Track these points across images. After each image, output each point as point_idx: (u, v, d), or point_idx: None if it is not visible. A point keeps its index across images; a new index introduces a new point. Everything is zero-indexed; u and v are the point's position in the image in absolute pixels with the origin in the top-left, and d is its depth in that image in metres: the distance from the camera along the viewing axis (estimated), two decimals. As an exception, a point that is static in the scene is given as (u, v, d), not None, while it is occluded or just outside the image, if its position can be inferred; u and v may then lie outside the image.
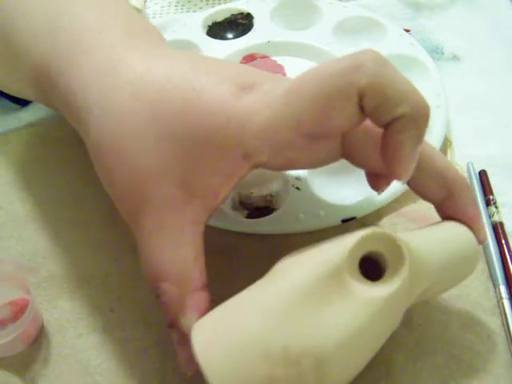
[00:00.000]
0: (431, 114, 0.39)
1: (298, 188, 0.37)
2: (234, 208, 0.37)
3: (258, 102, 0.26)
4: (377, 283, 0.24)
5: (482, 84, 0.46)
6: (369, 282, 0.24)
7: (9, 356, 0.32)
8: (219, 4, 0.54)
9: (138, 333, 0.32)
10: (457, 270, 0.28)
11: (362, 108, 0.24)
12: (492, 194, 0.38)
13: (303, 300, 0.23)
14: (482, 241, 0.29)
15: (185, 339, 0.25)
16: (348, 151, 0.28)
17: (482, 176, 0.39)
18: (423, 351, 0.31)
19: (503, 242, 0.35)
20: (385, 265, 0.25)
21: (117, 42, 0.29)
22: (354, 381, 0.30)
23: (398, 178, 0.25)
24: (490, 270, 0.34)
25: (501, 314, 0.32)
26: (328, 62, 0.25)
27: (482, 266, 0.34)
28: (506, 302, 0.32)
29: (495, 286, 0.33)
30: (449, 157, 0.40)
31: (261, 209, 0.37)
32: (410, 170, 0.25)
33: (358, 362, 0.25)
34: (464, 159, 0.40)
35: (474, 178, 0.39)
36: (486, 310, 0.32)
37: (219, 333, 0.24)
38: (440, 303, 0.32)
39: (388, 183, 0.28)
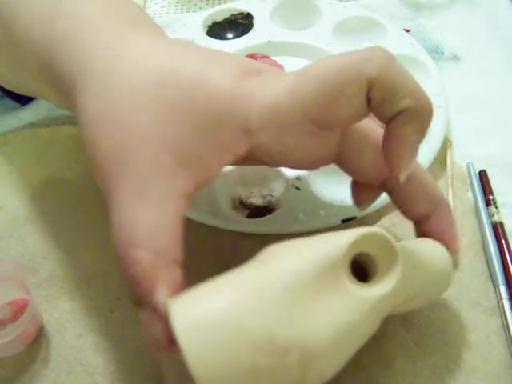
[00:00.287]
0: (431, 114, 0.39)
1: (297, 188, 0.37)
2: (234, 208, 0.37)
3: (265, 82, 0.26)
4: (368, 284, 0.24)
5: (482, 84, 0.46)
6: (360, 283, 0.24)
7: (8, 356, 0.32)
8: (219, 4, 0.54)
9: (138, 333, 0.32)
10: (433, 286, 0.29)
11: (368, 100, 0.25)
12: (492, 193, 0.38)
13: (295, 289, 0.23)
14: (456, 262, 0.29)
15: (155, 318, 0.23)
16: (343, 155, 0.28)
17: (482, 176, 0.39)
18: (423, 351, 0.31)
19: (503, 242, 0.35)
20: (372, 268, 0.25)
21: (122, 25, 0.29)
22: (355, 381, 0.30)
23: (398, 174, 0.25)
24: (490, 270, 0.34)
25: (501, 315, 0.32)
26: (338, 54, 0.26)
27: (481, 266, 0.34)
28: (506, 303, 0.32)
29: (495, 286, 0.33)
30: (449, 157, 0.40)
31: (261, 209, 0.37)
32: (409, 167, 0.26)
33: (341, 360, 0.24)
34: (464, 159, 0.40)
35: (474, 177, 0.39)
36: (486, 311, 0.32)
37: (203, 316, 0.22)
38: (440, 303, 0.32)
39: (373, 196, 0.29)
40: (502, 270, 0.34)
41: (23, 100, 0.45)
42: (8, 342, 0.30)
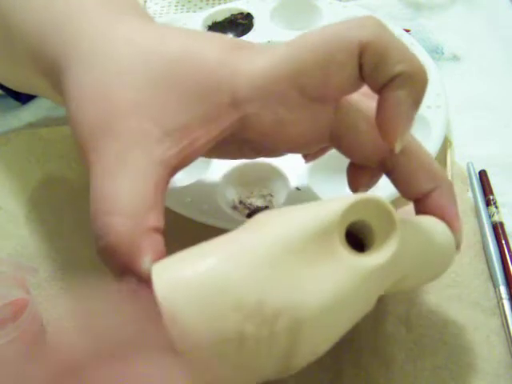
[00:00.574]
0: (431, 114, 0.39)
1: (297, 188, 0.37)
2: (234, 208, 0.37)
3: (253, 54, 0.26)
4: (365, 253, 0.23)
5: (482, 84, 0.46)
6: (356, 252, 0.23)
7: (8, 356, 0.32)
8: (219, 4, 0.54)
9: (138, 333, 0.32)
10: (433, 265, 0.28)
11: (360, 67, 0.24)
12: (492, 193, 0.38)
13: (286, 254, 0.21)
14: (458, 242, 0.28)
15: (144, 287, 0.22)
16: (337, 132, 0.27)
17: (482, 176, 0.39)
18: (423, 351, 0.31)
19: (503, 242, 0.35)
20: (369, 238, 0.24)
21: (112, 11, 0.29)
22: (355, 381, 0.30)
23: (393, 143, 0.25)
24: (490, 271, 0.34)
25: (501, 315, 0.32)
26: (330, 24, 0.25)
27: (481, 266, 0.34)
28: (506, 303, 0.32)
29: (495, 286, 0.33)
30: (449, 157, 0.40)
31: (261, 209, 0.37)
32: (404, 135, 0.25)
33: (332, 334, 0.23)
34: (464, 159, 0.40)
35: (474, 177, 0.39)
36: (486, 311, 0.32)
37: (186, 277, 0.21)
38: (440, 303, 0.32)
39: (369, 181, 0.28)
40: (502, 270, 0.34)
41: (23, 98, 0.45)
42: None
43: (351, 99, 0.27)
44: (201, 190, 0.36)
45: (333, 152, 0.38)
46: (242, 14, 0.50)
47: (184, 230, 0.36)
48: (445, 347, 0.31)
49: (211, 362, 0.21)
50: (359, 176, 0.28)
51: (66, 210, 0.39)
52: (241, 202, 0.37)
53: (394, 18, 0.51)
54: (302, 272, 0.21)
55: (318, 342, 0.22)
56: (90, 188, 0.24)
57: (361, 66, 0.24)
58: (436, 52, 0.48)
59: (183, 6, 0.56)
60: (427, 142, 0.37)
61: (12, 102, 0.45)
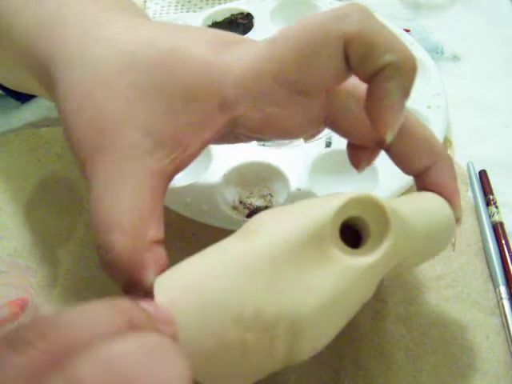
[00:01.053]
0: (431, 114, 0.39)
1: (298, 189, 0.37)
2: (234, 208, 0.37)
3: (239, 52, 0.25)
4: (359, 251, 0.23)
5: (482, 84, 0.46)
6: (350, 250, 0.23)
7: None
8: (219, 4, 0.54)
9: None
10: (433, 242, 0.27)
11: (347, 59, 0.24)
12: (492, 193, 0.38)
13: (280, 259, 0.22)
14: (459, 217, 0.28)
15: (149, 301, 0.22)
16: (331, 116, 0.27)
17: (482, 176, 0.39)
18: (423, 351, 0.31)
19: (503, 242, 0.35)
20: (366, 232, 0.24)
21: (103, 6, 0.29)
22: (355, 380, 0.30)
23: (383, 134, 0.24)
24: (490, 270, 0.34)
25: (500, 315, 0.32)
26: (313, 14, 0.25)
27: (481, 265, 0.34)
28: (506, 303, 0.32)
29: (495, 286, 0.33)
30: (449, 157, 0.40)
31: (261, 209, 0.37)
32: (395, 125, 0.24)
33: (331, 330, 0.23)
34: (464, 159, 0.40)
35: (474, 177, 0.39)
36: (486, 310, 0.32)
37: (187, 290, 0.21)
38: (440, 303, 0.32)
39: (369, 158, 0.28)
40: (502, 270, 0.34)
41: (22, 98, 0.45)
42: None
43: (344, 83, 0.26)
44: (201, 190, 0.36)
45: (333, 152, 0.38)
46: (242, 13, 0.50)
47: (184, 229, 0.36)
48: (445, 347, 0.31)
49: (213, 367, 0.21)
50: (359, 154, 0.28)
51: (67, 211, 0.39)
52: (241, 202, 0.37)
53: (394, 18, 0.51)
54: (297, 275, 0.22)
55: (317, 339, 0.23)
56: (89, 200, 0.25)
57: (347, 58, 0.24)
58: (436, 52, 0.48)
59: (183, 6, 0.56)
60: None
61: (12, 101, 0.45)
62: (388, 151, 0.28)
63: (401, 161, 0.28)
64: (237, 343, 0.21)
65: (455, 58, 0.48)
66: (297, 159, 0.38)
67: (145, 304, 0.20)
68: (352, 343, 0.31)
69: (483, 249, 0.35)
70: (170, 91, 0.25)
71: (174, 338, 0.20)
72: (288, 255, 0.22)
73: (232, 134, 0.28)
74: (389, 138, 0.24)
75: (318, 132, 0.30)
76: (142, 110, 0.25)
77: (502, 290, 0.33)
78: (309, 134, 0.29)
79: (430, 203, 0.27)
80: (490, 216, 0.37)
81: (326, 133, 0.39)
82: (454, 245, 0.35)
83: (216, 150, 0.38)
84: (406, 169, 0.28)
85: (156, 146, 0.25)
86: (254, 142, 0.40)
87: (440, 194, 0.27)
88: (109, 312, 0.18)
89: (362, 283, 0.23)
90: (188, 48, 0.25)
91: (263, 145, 0.40)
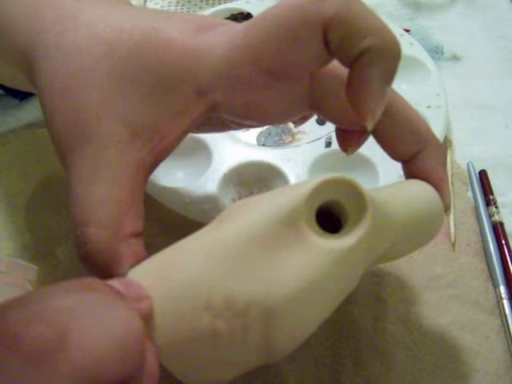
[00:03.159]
0: (431, 114, 0.39)
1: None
2: (234, 208, 0.37)
3: (216, 37, 0.25)
4: (336, 235, 0.22)
5: (482, 84, 0.46)
6: (326, 234, 0.22)
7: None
8: (219, 4, 0.54)
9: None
10: (421, 231, 0.26)
11: (327, 43, 0.23)
12: (492, 193, 0.38)
13: (251, 245, 0.21)
14: (447, 205, 0.27)
15: None
16: (316, 99, 0.26)
17: (482, 176, 0.39)
18: (423, 351, 0.31)
19: (503, 242, 0.35)
20: (344, 218, 0.23)
21: None
22: (355, 380, 0.30)
23: (364, 121, 0.23)
24: (489, 270, 0.34)
25: (500, 315, 0.32)
26: None
27: (481, 265, 0.34)
28: (506, 303, 0.32)
29: (495, 286, 0.33)
30: (449, 157, 0.40)
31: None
32: (376, 112, 0.23)
33: (309, 319, 0.22)
34: (464, 159, 0.40)
35: (474, 177, 0.39)
36: (486, 310, 0.32)
37: (156, 279, 0.21)
38: (440, 303, 0.32)
39: (357, 141, 0.27)
40: (502, 270, 0.34)
41: (20, 96, 0.45)
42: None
43: (327, 67, 0.26)
44: (201, 190, 0.36)
45: (333, 152, 0.38)
46: (241, 13, 0.50)
47: (184, 229, 0.36)
48: (445, 347, 0.31)
49: (186, 358, 0.21)
50: (346, 138, 0.27)
51: (66, 210, 0.39)
52: (241, 202, 0.37)
53: (394, 18, 0.51)
54: (269, 261, 0.21)
55: (294, 327, 0.22)
56: (70, 189, 0.24)
57: (327, 42, 0.23)
58: (436, 52, 0.48)
59: (183, 5, 0.56)
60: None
61: (11, 101, 0.45)
62: (375, 135, 0.27)
63: (387, 146, 0.27)
64: (208, 331, 0.20)
65: (455, 57, 0.48)
66: (297, 159, 0.37)
67: (114, 281, 0.20)
68: (352, 343, 0.31)
69: (483, 249, 0.35)
70: (147, 80, 0.24)
71: (148, 312, 0.20)
72: (260, 240, 0.21)
73: (218, 120, 0.28)
74: (369, 125, 0.24)
75: (309, 116, 0.30)
76: (119, 100, 0.24)
77: (502, 289, 0.33)
78: (293, 118, 0.28)
79: (414, 190, 0.26)
80: (490, 216, 0.37)
81: (326, 133, 0.39)
82: (453, 245, 0.35)
83: (216, 149, 0.38)
84: (392, 154, 0.27)
85: (134, 136, 0.24)
86: (254, 142, 0.40)
87: (427, 180, 0.26)
88: (76, 288, 0.18)
89: (339, 269, 0.22)
90: (164, 34, 0.25)
91: (263, 145, 0.40)
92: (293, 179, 0.37)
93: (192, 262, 0.21)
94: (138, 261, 0.23)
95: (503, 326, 0.31)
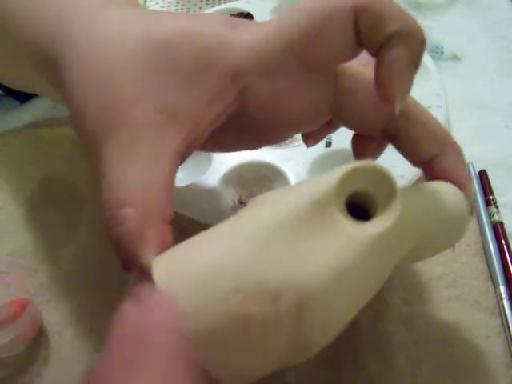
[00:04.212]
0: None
1: (297, 188, 0.37)
2: (234, 208, 0.37)
3: (247, 29, 0.26)
4: (366, 222, 0.22)
5: (482, 84, 0.46)
6: (357, 221, 0.22)
7: (8, 356, 0.32)
8: (219, 4, 0.54)
9: (138, 333, 0.32)
10: (447, 231, 0.27)
11: (357, 32, 0.24)
12: (492, 194, 0.38)
13: (282, 230, 0.21)
14: (471, 204, 0.27)
15: (146, 281, 0.22)
16: (337, 101, 0.27)
17: (482, 176, 0.39)
18: (423, 351, 0.30)
19: (503, 242, 0.35)
20: (373, 209, 0.23)
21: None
22: (355, 380, 0.30)
23: (392, 102, 0.25)
24: (489, 270, 0.34)
25: (500, 315, 0.32)
26: None
27: (481, 265, 0.34)
28: (506, 303, 0.32)
29: (495, 286, 0.33)
30: (449, 157, 0.40)
31: (261, 209, 0.37)
32: (404, 95, 0.25)
33: (342, 309, 0.22)
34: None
35: (474, 177, 0.39)
36: (486, 310, 0.32)
37: (184, 265, 0.21)
38: (440, 303, 0.32)
39: (375, 149, 0.28)
40: (501, 270, 0.34)
41: (22, 97, 0.45)
42: (7, 342, 0.30)
43: (350, 68, 0.27)
44: (201, 190, 0.36)
45: (333, 152, 0.38)
46: (242, 13, 0.50)
47: (184, 229, 0.36)
48: (445, 347, 0.31)
49: (216, 347, 0.20)
50: (364, 146, 0.28)
51: (66, 211, 0.39)
52: (241, 202, 0.37)
53: (393, 18, 0.51)
54: (301, 246, 0.21)
55: (326, 319, 0.21)
56: (101, 178, 0.24)
57: (357, 32, 0.24)
58: (436, 52, 0.48)
59: (183, 5, 0.56)
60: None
61: (11, 101, 0.45)
62: (393, 141, 0.27)
63: (407, 150, 0.27)
64: (239, 317, 0.20)
65: (455, 57, 0.48)
66: (297, 159, 0.37)
67: None
68: (352, 343, 0.31)
69: (483, 249, 0.35)
70: (182, 67, 0.25)
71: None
72: (291, 224, 0.21)
73: (236, 131, 0.28)
74: (397, 107, 0.25)
75: (321, 133, 0.30)
76: (154, 87, 0.25)
77: (502, 289, 0.33)
78: (313, 123, 0.28)
79: (438, 189, 0.26)
80: (490, 216, 0.37)
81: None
82: (453, 245, 0.35)
83: (216, 149, 0.38)
84: (413, 158, 0.28)
85: (168, 122, 0.25)
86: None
87: (450, 181, 0.27)
88: None
89: (371, 256, 0.22)
90: (197, 26, 0.26)
91: (263, 145, 0.40)
92: (293, 179, 0.37)
93: (221, 247, 0.21)
94: (165, 248, 0.23)
95: (503, 325, 0.31)
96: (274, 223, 0.21)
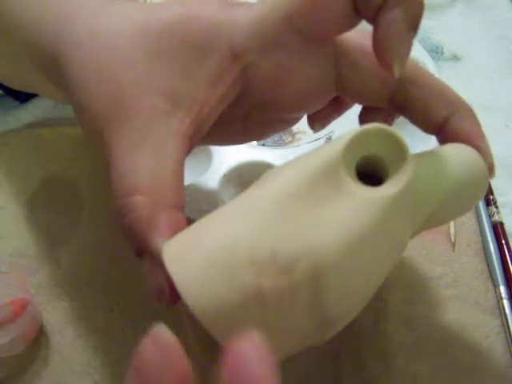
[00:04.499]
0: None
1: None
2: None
3: (245, 8, 0.26)
4: (378, 187, 0.21)
5: (482, 84, 0.46)
6: (368, 186, 0.21)
7: (8, 356, 0.32)
8: (219, 4, 0.54)
9: (138, 333, 0.32)
10: (466, 193, 0.26)
11: (354, 2, 0.24)
12: (492, 193, 0.38)
13: (293, 199, 0.20)
14: (490, 163, 0.27)
15: (155, 266, 0.22)
16: (342, 76, 0.27)
17: (482, 176, 0.39)
18: (423, 351, 0.30)
19: (503, 242, 0.35)
20: (384, 174, 0.22)
21: None
22: (355, 380, 0.30)
23: (391, 65, 0.24)
24: (489, 270, 0.34)
25: (500, 315, 0.32)
26: None
27: (481, 265, 0.34)
28: (506, 303, 0.32)
29: (495, 286, 0.33)
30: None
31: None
32: (403, 58, 0.24)
33: (362, 280, 0.21)
34: (464, 159, 0.40)
35: (474, 177, 0.39)
36: (486, 310, 0.32)
37: (194, 244, 0.20)
38: (440, 303, 0.32)
39: (384, 121, 0.27)
40: (502, 270, 0.34)
41: (22, 97, 0.45)
42: (8, 342, 0.30)
43: (350, 40, 0.27)
44: (201, 190, 0.36)
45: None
46: None
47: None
48: (445, 347, 0.31)
49: (236, 330, 0.19)
50: (372, 119, 0.28)
51: (67, 211, 0.39)
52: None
53: (393, 18, 0.51)
54: (313, 215, 0.20)
55: (344, 289, 0.20)
56: (108, 168, 0.24)
57: (354, 1, 0.24)
58: (436, 52, 0.48)
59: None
60: (428, 144, 0.37)
61: (12, 101, 0.45)
62: (403, 110, 0.27)
63: (418, 117, 0.27)
64: (253, 291, 0.19)
65: (455, 58, 0.48)
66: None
67: None
68: (352, 343, 0.31)
69: (483, 249, 0.35)
70: (182, 52, 0.25)
71: None
72: (301, 193, 0.21)
73: (240, 119, 0.28)
74: (396, 70, 0.24)
75: (328, 117, 0.30)
76: (157, 74, 0.25)
77: (502, 289, 0.33)
78: (318, 101, 0.28)
79: (455, 151, 0.25)
80: (490, 216, 0.37)
81: (326, 132, 0.39)
82: (454, 245, 0.35)
83: (216, 149, 0.38)
84: (425, 123, 0.27)
85: (174, 107, 0.25)
86: (254, 142, 0.40)
87: (465, 142, 0.26)
88: None
89: (385, 221, 0.21)
90: (195, 11, 0.26)
91: (263, 145, 0.40)
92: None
93: (230, 223, 0.20)
94: (176, 233, 0.22)
95: (503, 326, 0.31)
96: (283, 193, 0.21)
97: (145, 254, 0.23)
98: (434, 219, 0.25)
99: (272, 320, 0.20)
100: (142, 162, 0.24)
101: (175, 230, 0.22)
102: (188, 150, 0.25)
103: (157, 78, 0.25)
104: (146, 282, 0.23)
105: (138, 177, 0.23)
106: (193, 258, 0.20)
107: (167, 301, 0.22)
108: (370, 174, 0.22)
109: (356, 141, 0.21)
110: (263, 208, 0.20)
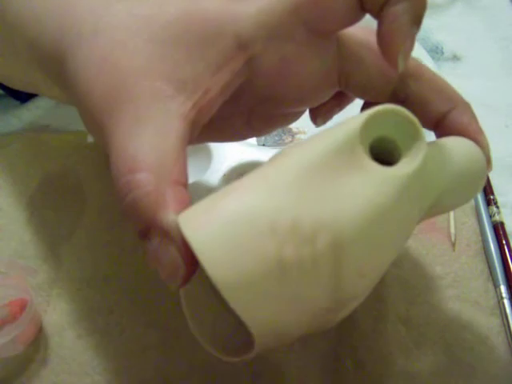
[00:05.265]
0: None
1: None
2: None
3: (251, 1, 0.26)
4: (393, 166, 0.22)
5: (482, 84, 0.46)
6: (383, 165, 0.22)
7: (8, 356, 0.32)
8: None
9: (137, 334, 0.32)
10: (466, 183, 0.27)
11: None
12: (493, 193, 0.38)
13: (313, 172, 0.21)
14: (488, 156, 0.28)
15: (168, 242, 0.22)
16: (345, 71, 0.27)
17: (482, 176, 0.39)
18: (423, 351, 0.30)
19: (504, 242, 0.35)
20: (397, 155, 0.23)
21: None
22: (355, 380, 0.30)
23: (395, 59, 0.25)
24: (490, 270, 0.34)
25: (501, 314, 0.32)
26: None
27: (481, 265, 0.34)
28: (507, 302, 0.32)
29: (495, 286, 0.33)
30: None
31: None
32: (406, 52, 0.25)
33: (378, 255, 0.22)
34: (464, 159, 0.40)
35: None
36: (486, 310, 0.32)
37: (214, 214, 0.20)
38: (440, 303, 0.32)
39: None
40: (502, 270, 0.34)
41: (22, 97, 0.45)
42: (7, 343, 0.30)
43: (354, 35, 0.27)
44: (201, 190, 0.36)
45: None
46: None
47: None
48: (445, 347, 0.31)
49: (256, 300, 0.20)
50: None
51: (67, 212, 0.39)
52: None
53: (393, 18, 0.51)
54: (333, 188, 0.21)
55: (362, 261, 0.21)
56: (109, 154, 0.24)
57: None
58: (436, 52, 0.48)
59: None
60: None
61: (12, 102, 0.45)
62: (405, 104, 0.27)
63: (419, 109, 0.27)
64: (274, 260, 0.19)
65: (455, 57, 0.48)
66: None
67: None
68: (352, 343, 0.31)
69: (483, 249, 0.35)
70: (187, 40, 0.25)
71: None
72: (320, 167, 0.21)
73: (243, 114, 0.28)
74: (400, 64, 0.25)
75: (330, 110, 0.30)
76: (161, 61, 0.25)
77: (503, 289, 0.33)
78: (322, 94, 0.29)
79: (455, 143, 0.26)
80: (491, 216, 0.37)
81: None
82: (454, 245, 0.35)
83: (216, 149, 0.38)
84: (424, 117, 0.27)
85: (177, 91, 0.25)
86: (254, 142, 0.40)
87: (464, 136, 0.27)
88: None
89: (401, 199, 0.21)
90: (200, 5, 0.26)
91: (263, 144, 0.40)
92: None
93: (251, 193, 0.20)
94: (183, 208, 0.22)
95: (503, 326, 0.31)
96: (302, 167, 0.21)
97: (152, 231, 0.22)
98: (433, 208, 0.25)
99: (291, 291, 0.20)
100: (144, 140, 0.23)
101: (183, 206, 0.22)
102: (190, 133, 0.25)
103: (159, 64, 0.25)
104: (152, 263, 0.22)
105: (141, 154, 0.23)
106: (213, 227, 0.20)
107: (182, 276, 0.21)
108: (380, 156, 0.23)
109: (372, 120, 0.22)
110: (283, 179, 0.21)
